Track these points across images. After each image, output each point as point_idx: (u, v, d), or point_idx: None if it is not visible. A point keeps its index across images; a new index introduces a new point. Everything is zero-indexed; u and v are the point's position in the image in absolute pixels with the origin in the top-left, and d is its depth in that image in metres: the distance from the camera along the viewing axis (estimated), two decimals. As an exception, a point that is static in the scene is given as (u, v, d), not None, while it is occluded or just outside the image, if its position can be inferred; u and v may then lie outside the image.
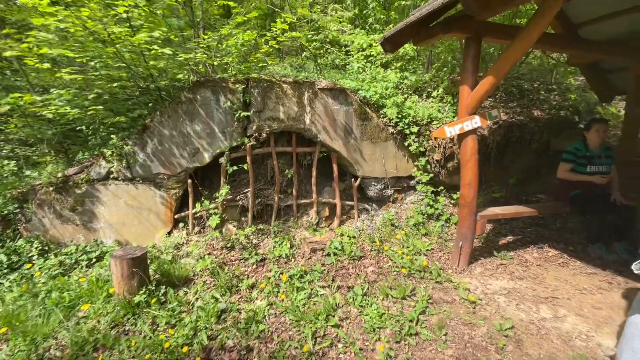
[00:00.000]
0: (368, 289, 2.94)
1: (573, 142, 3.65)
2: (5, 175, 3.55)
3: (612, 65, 4.49)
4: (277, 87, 3.82)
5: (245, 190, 4.05)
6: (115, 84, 3.31)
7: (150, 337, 2.38)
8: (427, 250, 3.65)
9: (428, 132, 4.33)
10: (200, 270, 3.28)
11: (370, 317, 2.54)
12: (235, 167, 3.72)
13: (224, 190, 3.72)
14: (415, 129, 4.22)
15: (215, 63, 3.63)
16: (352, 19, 6.34)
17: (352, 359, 2.21)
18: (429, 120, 4.34)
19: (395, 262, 3.39)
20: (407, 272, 3.21)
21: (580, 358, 2.11)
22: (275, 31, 3.60)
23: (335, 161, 4.25)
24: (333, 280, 3.11)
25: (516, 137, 4.78)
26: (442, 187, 4.45)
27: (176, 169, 3.76)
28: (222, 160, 3.74)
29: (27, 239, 3.37)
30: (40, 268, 3.16)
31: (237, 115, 3.65)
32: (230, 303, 2.81)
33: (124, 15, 2.83)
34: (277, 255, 3.54)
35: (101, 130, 3.81)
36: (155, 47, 2.95)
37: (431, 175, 4.38)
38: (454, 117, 4.33)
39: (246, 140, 3.80)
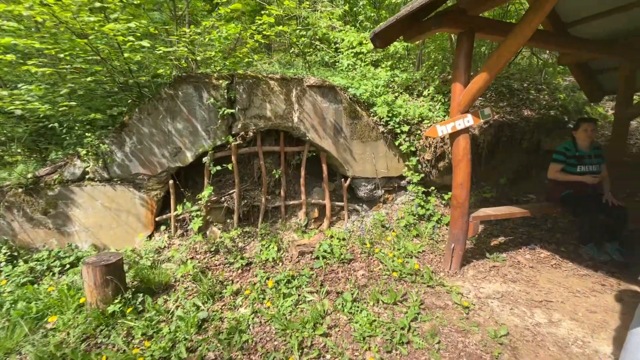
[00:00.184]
0: (358, 294, 2.82)
1: (563, 142, 3.62)
2: (-30, 176, 3.31)
3: (601, 65, 4.49)
4: (263, 83, 3.67)
5: (231, 191, 3.88)
6: (89, 79, 3.10)
7: (124, 350, 2.21)
8: (419, 252, 3.56)
9: (419, 132, 4.24)
10: (181, 276, 3.10)
11: (360, 325, 2.41)
12: (218, 167, 3.54)
13: (206, 192, 3.55)
14: (406, 128, 4.13)
15: (199, 58, 3.46)
16: (342, 16, 6.22)
17: (340, 371, 2.09)
18: (420, 119, 4.25)
19: (386, 265, 3.28)
20: (398, 275, 3.10)
21: (577, 365, 2.03)
22: (261, 25, 3.44)
23: (324, 161, 4.12)
24: (322, 285, 2.98)
25: (507, 137, 4.74)
26: (433, 187, 4.37)
27: (157, 169, 3.57)
28: (205, 160, 3.57)
29: (-6, 245, 3.14)
30: (7, 276, 2.94)
31: (221, 113, 3.48)
32: (213, 311, 2.65)
33: (97, 4, 2.63)
34: (263, 259, 3.40)
35: (77, 128, 3.59)
36: (131, 38, 2.76)
37: (422, 175, 4.30)
38: (444, 116, 4.25)
39: (231, 139, 3.63)
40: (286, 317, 2.52)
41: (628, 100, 4.08)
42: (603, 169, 3.48)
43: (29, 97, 3.09)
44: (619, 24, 3.62)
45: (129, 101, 3.62)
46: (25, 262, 3.11)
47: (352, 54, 5.22)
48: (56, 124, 3.40)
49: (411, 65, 5.99)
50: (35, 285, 2.89)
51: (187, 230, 3.76)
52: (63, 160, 3.39)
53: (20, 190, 3.23)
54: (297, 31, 5.14)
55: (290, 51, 5.44)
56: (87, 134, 3.22)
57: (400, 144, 4.19)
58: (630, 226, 3.36)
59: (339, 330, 2.42)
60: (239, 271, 3.26)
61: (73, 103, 3.08)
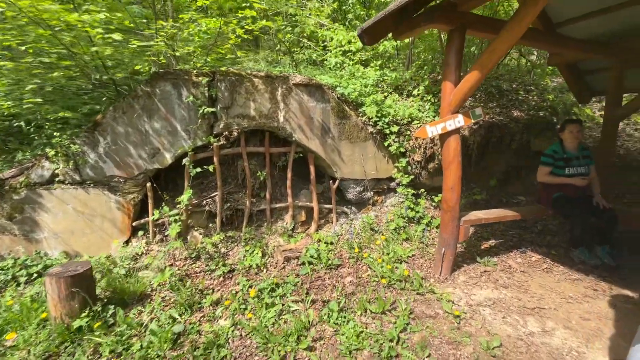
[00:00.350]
0: (345, 303, 2.68)
1: (551, 145, 3.56)
2: None
3: (590, 66, 4.46)
4: (247, 81, 3.50)
5: (213, 194, 3.70)
6: (55, 74, 2.88)
7: (90, 370, 2.02)
8: (408, 257, 3.44)
9: (408, 132, 4.13)
10: (158, 285, 2.92)
11: (347, 337, 2.28)
12: (198, 169, 3.35)
13: (186, 195, 3.35)
14: (395, 128, 4.02)
15: (178, 54, 3.26)
16: (330, 14, 6.08)
17: (325, 389, 1.94)
18: (410, 119, 4.15)
19: (374, 271, 3.15)
20: (387, 282, 2.97)
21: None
22: (243, 19, 3.27)
23: (312, 162, 3.97)
24: (307, 293, 2.83)
25: (496, 138, 4.67)
26: (422, 190, 4.27)
27: (134, 171, 3.36)
28: (185, 161, 3.38)
29: (-49, 253, 2.90)
30: (-34, 287, 2.71)
31: (201, 112, 3.29)
32: (191, 323, 2.48)
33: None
34: (247, 265, 3.23)
35: (47, 127, 3.36)
36: (100, 30, 2.56)
37: (412, 176, 4.19)
38: (434, 116, 4.16)
39: (213, 139, 3.45)
40: (268, 330, 2.37)
41: (617, 101, 4.05)
42: (592, 170, 3.42)
43: (-9, 93, 2.86)
44: (609, 25, 3.58)
45: (104, 99, 3.41)
46: (-13, 271, 2.88)
47: (341, 52, 5.08)
48: (22, 123, 3.17)
49: (401, 65, 5.89)
50: (-4, 298, 2.66)
51: (167, 235, 3.56)
52: (30, 161, 3.16)
53: (-19, 194, 2.99)
54: (284, 27, 4.97)
55: (276, 48, 5.27)
56: (55, 133, 2.99)
57: (389, 145, 4.07)
58: (620, 228, 3.32)
59: (324, 344, 2.27)
60: (221, 279, 3.08)
61: (39, 100, 2.85)
